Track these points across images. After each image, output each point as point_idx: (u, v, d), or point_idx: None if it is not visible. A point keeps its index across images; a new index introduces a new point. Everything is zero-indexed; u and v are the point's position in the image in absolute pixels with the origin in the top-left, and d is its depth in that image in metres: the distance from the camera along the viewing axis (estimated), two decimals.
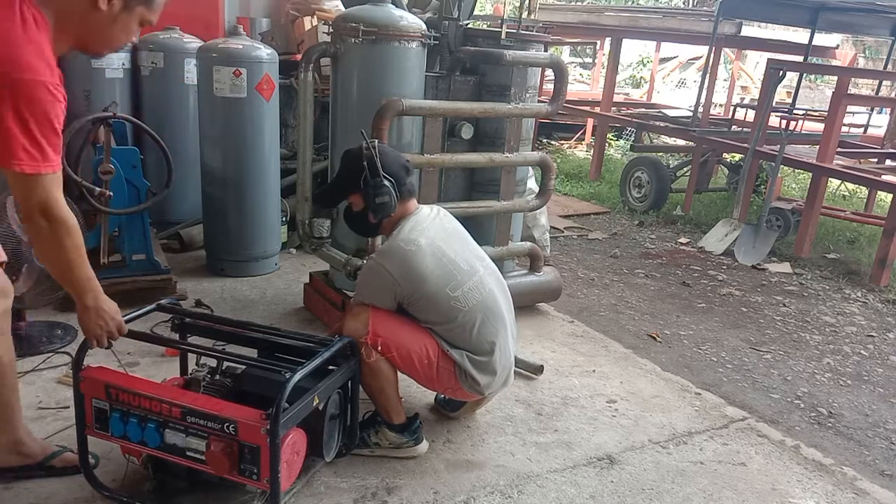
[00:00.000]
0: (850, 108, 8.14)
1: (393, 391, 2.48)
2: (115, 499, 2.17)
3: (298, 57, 4.56)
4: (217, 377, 2.28)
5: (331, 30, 3.35)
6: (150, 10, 1.84)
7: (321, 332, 2.99)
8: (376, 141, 2.51)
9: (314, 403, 2.14)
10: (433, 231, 2.47)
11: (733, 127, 8.17)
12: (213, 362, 2.33)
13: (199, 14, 4.90)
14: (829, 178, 6.33)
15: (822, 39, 8.74)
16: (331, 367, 2.28)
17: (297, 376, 1.99)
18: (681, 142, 8.84)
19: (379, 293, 2.42)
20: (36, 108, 1.66)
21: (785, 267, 5.67)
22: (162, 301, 2.44)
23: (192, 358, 2.49)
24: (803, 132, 7.73)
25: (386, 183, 2.39)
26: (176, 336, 2.51)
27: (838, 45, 10.03)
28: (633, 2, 18.92)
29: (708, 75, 7.71)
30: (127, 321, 2.22)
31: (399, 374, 2.49)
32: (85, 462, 2.17)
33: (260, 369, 2.24)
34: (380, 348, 2.35)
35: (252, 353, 2.43)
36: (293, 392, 1.98)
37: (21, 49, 1.64)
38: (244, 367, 2.28)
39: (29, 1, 1.68)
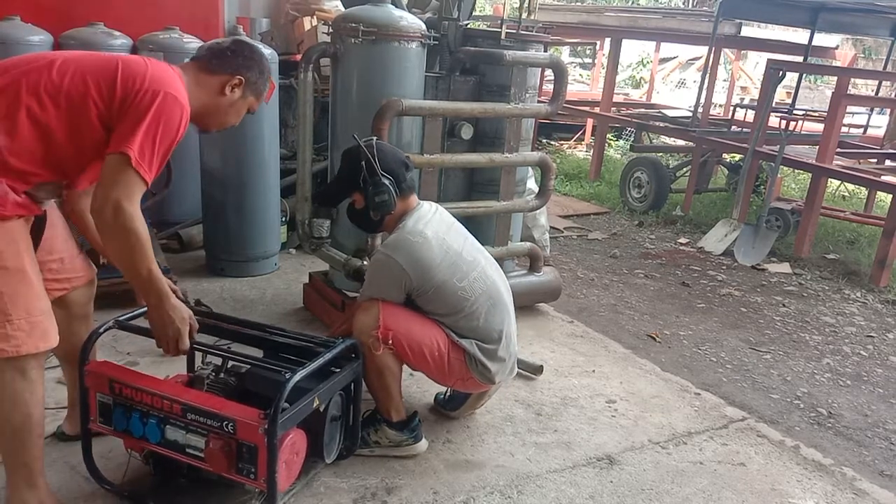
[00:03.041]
0: (849, 109, 8.15)
1: (397, 388, 2.49)
2: (117, 493, 2.18)
3: (298, 57, 4.56)
4: (221, 376, 2.28)
5: (331, 30, 3.36)
6: (258, 100, 2.20)
7: (321, 331, 2.99)
8: (374, 139, 2.52)
9: (314, 405, 2.14)
10: (436, 224, 2.49)
11: (733, 127, 8.18)
12: (218, 360, 2.33)
13: (199, 14, 4.90)
14: (829, 179, 6.33)
15: (821, 40, 8.74)
16: (333, 369, 2.28)
17: (297, 377, 1.99)
18: (680, 142, 8.84)
19: (388, 286, 2.42)
20: (170, 124, 1.87)
21: (784, 267, 5.68)
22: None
23: (198, 355, 2.49)
24: (803, 132, 7.74)
25: (385, 181, 2.41)
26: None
27: (838, 46, 10.03)
28: (633, 2, 18.92)
29: (708, 75, 7.71)
30: (126, 320, 2.24)
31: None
32: (89, 457, 2.18)
33: (263, 369, 2.25)
34: (391, 342, 2.35)
35: (257, 352, 2.43)
36: (293, 392, 1.98)
37: (173, 80, 1.93)
38: (248, 366, 2.28)
39: (175, 66, 2.03)
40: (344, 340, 2.32)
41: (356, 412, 2.43)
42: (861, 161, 6.89)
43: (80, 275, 2.25)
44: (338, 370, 2.29)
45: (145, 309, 2.17)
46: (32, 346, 1.87)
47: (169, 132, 1.87)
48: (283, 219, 4.52)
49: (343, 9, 4.06)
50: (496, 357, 2.50)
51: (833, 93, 6.25)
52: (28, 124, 1.82)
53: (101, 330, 2.16)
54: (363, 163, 2.41)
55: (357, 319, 2.41)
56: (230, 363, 2.32)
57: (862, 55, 15.60)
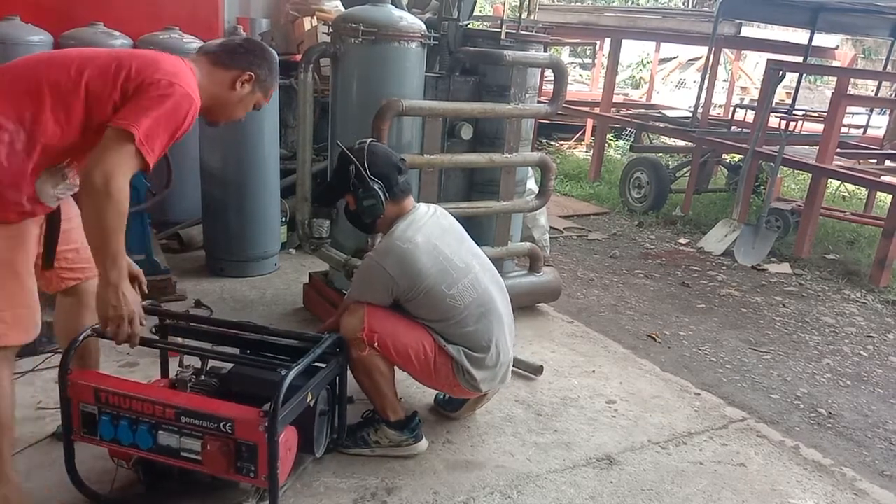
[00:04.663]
0: (849, 109, 8.14)
1: (389, 388, 2.49)
2: (106, 503, 2.17)
3: (298, 57, 4.56)
4: (202, 377, 2.28)
5: (331, 30, 3.36)
6: (265, 97, 2.26)
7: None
8: (368, 141, 2.52)
9: (307, 400, 2.15)
10: (429, 229, 2.48)
11: (733, 127, 8.18)
12: (196, 362, 2.32)
13: (199, 14, 4.90)
14: (829, 179, 6.33)
15: (821, 40, 8.74)
16: (317, 364, 2.28)
17: (293, 374, 1.99)
18: (680, 142, 8.84)
19: (375, 290, 2.43)
20: (178, 115, 1.91)
21: (784, 267, 5.67)
22: (143, 303, 2.42)
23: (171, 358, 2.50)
24: (803, 133, 7.74)
25: (374, 186, 2.41)
26: (157, 338, 2.49)
27: (838, 46, 10.03)
28: (633, 2, 18.93)
29: (707, 76, 7.71)
30: None
31: (398, 373, 2.50)
32: (72, 469, 2.15)
33: (249, 368, 2.26)
34: (376, 344, 2.36)
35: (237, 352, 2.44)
36: (288, 389, 1.98)
37: (185, 73, 1.99)
38: (230, 366, 2.29)
39: (187, 58, 2.11)
40: (330, 335, 2.34)
41: (342, 406, 2.44)
42: (861, 161, 6.89)
43: (93, 265, 2.26)
44: (323, 365, 2.30)
45: None
46: (15, 338, 1.91)
47: (175, 122, 1.91)
48: (283, 219, 4.52)
49: (343, 9, 4.06)
50: (483, 366, 2.49)
51: (833, 93, 6.25)
52: (52, 122, 1.87)
53: (80, 339, 2.12)
54: (352, 167, 2.42)
55: (343, 321, 2.42)
56: (209, 364, 2.31)
57: (862, 55, 15.60)
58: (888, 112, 9.28)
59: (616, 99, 10.11)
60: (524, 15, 3.94)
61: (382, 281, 2.39)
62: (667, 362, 3.74)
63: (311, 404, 2.20)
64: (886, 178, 5.95)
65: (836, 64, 10.55)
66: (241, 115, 2.25)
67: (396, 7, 3.39)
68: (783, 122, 6.48)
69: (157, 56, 2.00)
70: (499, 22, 3.66)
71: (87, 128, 1.91)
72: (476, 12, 5.21)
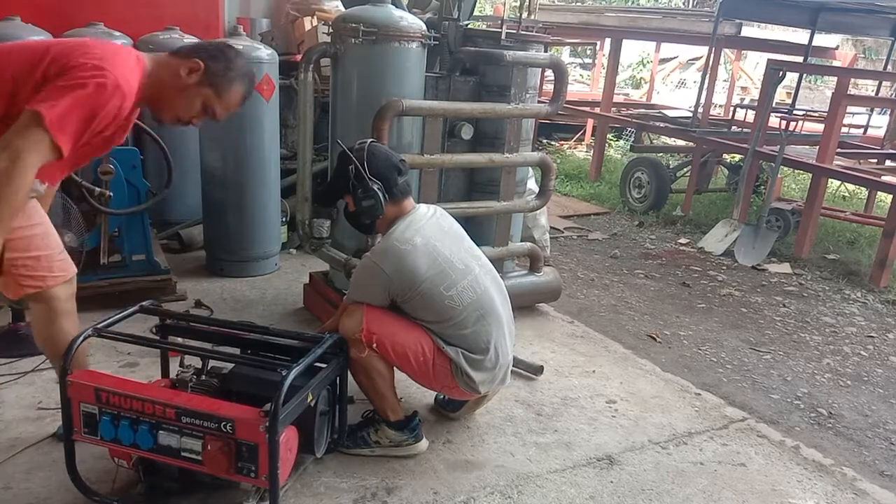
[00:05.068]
0: (849, 109, 8.14)
1: (388, 388, 2.49)
2: (106, 503, 2.17)
3: (298, 57, 4.57)
4: (203, 377, 2.27)
5: (331, 30, 3.36)
6: (218, 98, 2.08)
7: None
8: (368, 141, 2.52)
9: (308, 400, 2.15)
10: (429, 230, 2.47)
11: (733, 127, 8.18)
12: (197, 362, 2.32)
13: (199, 14, 4.90)
14: (829, 179, 6.33)
15: (821, 40, 8.75)
16: (318, 364, 2.28)
17: (293, 374, 1.99)
18: (681, 142, 8.84)
19: (372, 291, 2.43)
20: (95, 97, 1.81)
21: (785, 267, 5.67)
22: (144, 303, 2.42)
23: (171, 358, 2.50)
24: (803, 133, 7.74)
25: (373, 186, 2.41)
26: (157, 337, 2.49)
27: (838, 46, 10.03)
28: (633, 2, 18.93)
29: (708, 76, 7.71)
30: (109, 325, 2.22)
31: (398, 373, 2.50)
32: (73, 469, 2.15)
33: (249, 368, 2.26)
34: (375, 345, 2.36)
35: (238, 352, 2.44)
36: (288, 389, 1.98)
37: (117, 61, 1.89)
38: (231, 366, 2.29)
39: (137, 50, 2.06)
40: (330, 335, 2.34)
41: (342, 406, 2.45)
42: (861, 161, 6.89)
43: (57, 274, 2.20)
44: (324, 365, 2.30)
45: (127, 312, 2.19)
46: None
47: (90, 105, 1.82)
48: (284, 219, 4.52)
49: (343, 9, 4.06)
50: (482, 367, 2.48)
51: (833, 93, 6.25)
52: None
53: (81, 339, 2.11)
54: (351, 167, 2.42)
55: (342, 322, 2.43)
56: (210, 364, 2.31)
57: (862, 55, 15.61)
58: (888, 112, 9.28)
59: (616, 99, 10.12)
60: (524, 15, 3.94)
61: (379, 281, 2.39)
62: (667, 362, 3.74)
63: (312, 404, 2.20)
64: (887, 178, 5.95)
65: (836, 64, 10.55)
66: (185, 112, 2.09)
67: (396, 7, 3.39)
68: (783, 122, 6.47)
69: (89, 41, 1.93)
70: (499, 22, 3.66)
71: (9, 115, 1.83)
72: (476, 12, 5.22)
